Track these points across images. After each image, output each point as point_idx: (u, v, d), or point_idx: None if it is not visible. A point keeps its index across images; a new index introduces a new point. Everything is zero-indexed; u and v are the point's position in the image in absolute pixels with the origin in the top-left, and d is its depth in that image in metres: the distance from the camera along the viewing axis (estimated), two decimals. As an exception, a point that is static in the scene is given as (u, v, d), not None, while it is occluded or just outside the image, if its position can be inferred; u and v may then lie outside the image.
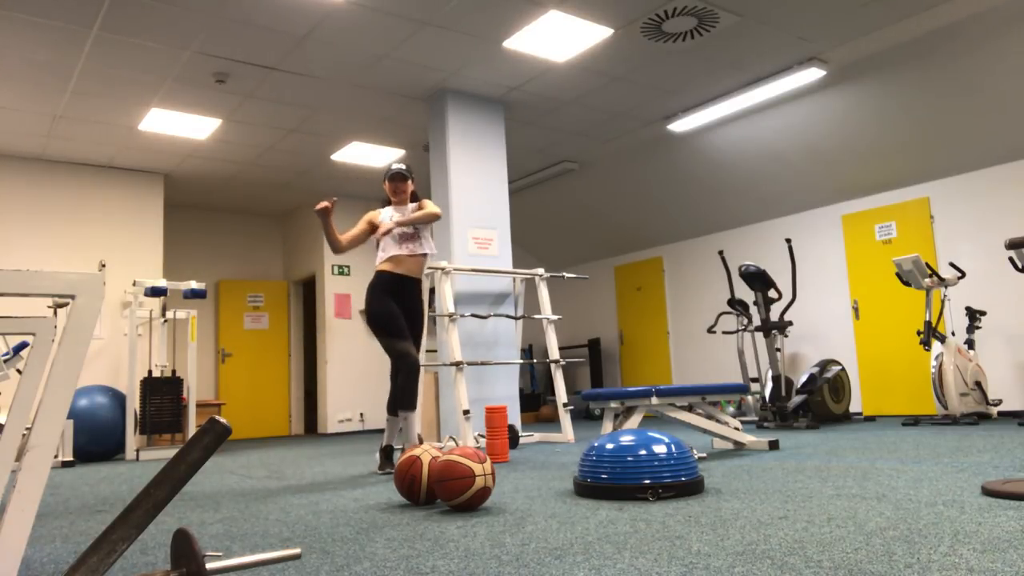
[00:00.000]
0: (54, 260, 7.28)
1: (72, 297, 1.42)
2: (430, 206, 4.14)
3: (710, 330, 7.53)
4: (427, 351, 7.61)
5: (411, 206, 4.29)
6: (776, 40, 5.68)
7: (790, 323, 6.41)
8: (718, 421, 4.31)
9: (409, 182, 4.27)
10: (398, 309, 4.07)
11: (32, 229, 7.24)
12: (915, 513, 2.14)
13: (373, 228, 4.27)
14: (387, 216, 4.26)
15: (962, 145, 6.38)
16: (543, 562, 1.77)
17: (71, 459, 5.80)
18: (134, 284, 6.69)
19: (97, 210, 7.59)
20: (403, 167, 4.25)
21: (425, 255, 4.23)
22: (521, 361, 6.03)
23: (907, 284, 6.03)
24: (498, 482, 3.42)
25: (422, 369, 5.74)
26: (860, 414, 7.19)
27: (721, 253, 7.25)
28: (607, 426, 4.10)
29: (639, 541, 1.96)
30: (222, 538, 2.35)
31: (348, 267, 9.26)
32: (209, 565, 1.47)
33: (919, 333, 5.80)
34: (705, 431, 4.09)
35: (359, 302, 9.31)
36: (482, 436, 5.56)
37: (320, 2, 4.78)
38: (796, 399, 6.32)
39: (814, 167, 7.30)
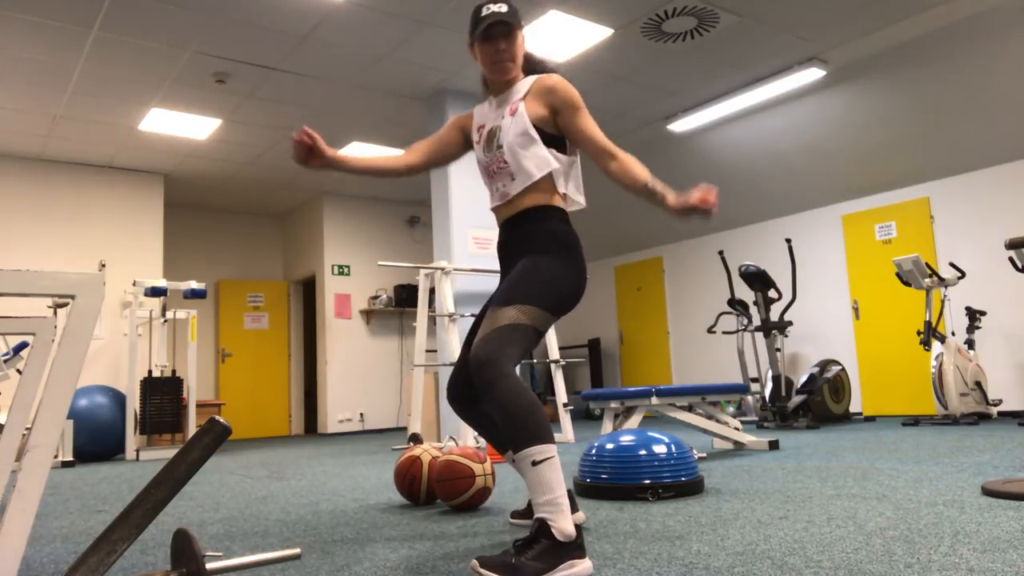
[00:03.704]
0: (54, 260, 7.28)
1: (72, 297, 1.42)
2: (554, 90, 2.03)
3: (710, 330, 7.53)
4: (427, 351, 7.62)
5: (521, 88, 2.10)
6: (776, 40, 5.67)
7: (790, 323, 6.41)
8: (718, 421, 4.31)
9: (517, 36, 2.09)
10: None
11: (32, 229, 7.24)
12: (915, 513, 2.14)
13: (462, 140, 2.29)
14: (479, 120, 2.22)
15: (962, 145, 6.38)
16: (543, 562, 1.77)
17: (71, 459, 5.79)
18: (134, 284, 6.69)
19: (97, 210, 7.59)
20: (503, 8, 2.05)
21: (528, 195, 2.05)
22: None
23: (907, 284, 6.03)
24: (498, 482, 3.42)
25: (421, 370, 5.73)
26: (860, 414, 7.19)
27: (721, 253, 7.24)
28: (607, 426, 4.10)
29: (639, 541, 1.96)
30: (222, 538, 2.35)
31: (348, 267, 9.26)
32: (209, 565, 1.47)
33: (919, 333, 5.80)
34: (705, 431, 4.09)
35: (359, 302, 9.30)
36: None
37: (320, 2, 4.78)
38: (796, 399, 6.32)
39: (814, 167, 7.30)
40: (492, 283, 6.24)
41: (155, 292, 6.48)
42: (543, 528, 1.62)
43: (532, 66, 2.22)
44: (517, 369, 1.89)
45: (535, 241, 1.99)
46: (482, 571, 1.52)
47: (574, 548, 1.62)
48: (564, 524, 1.62)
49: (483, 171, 2.17)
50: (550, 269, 1.94)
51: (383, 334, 9.44)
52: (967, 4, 5.31)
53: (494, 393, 1.74)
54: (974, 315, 6.03)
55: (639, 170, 1.94)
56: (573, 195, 2.09)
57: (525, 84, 2.10)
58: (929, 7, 5.32)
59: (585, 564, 1.62)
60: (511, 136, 2.05)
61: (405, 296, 9.29)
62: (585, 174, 8.67)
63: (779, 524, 2.09)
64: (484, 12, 2.06)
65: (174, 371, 7.33)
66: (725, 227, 8.60)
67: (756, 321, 8.06)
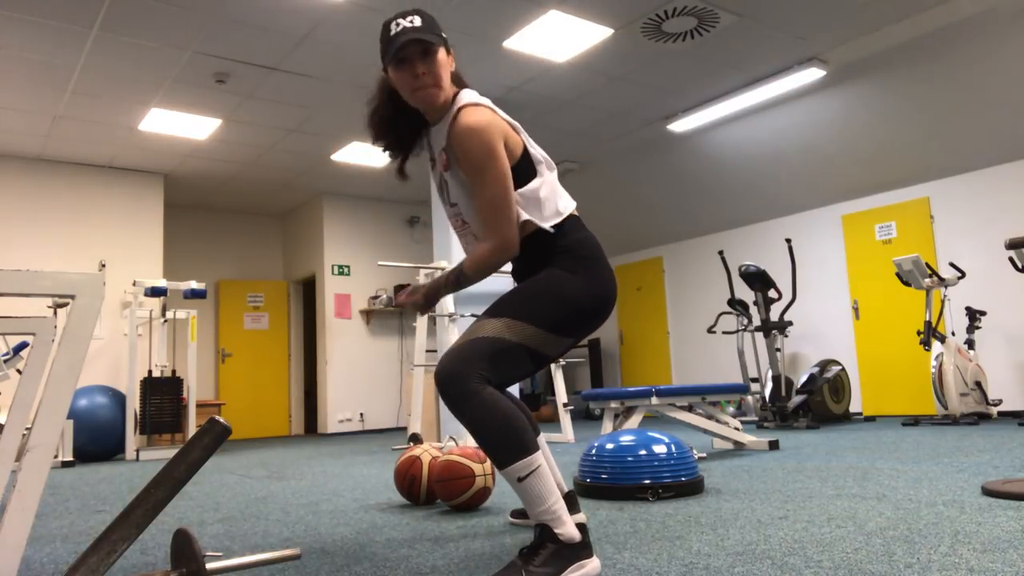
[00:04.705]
0: (54, 260, 7.28)
1: (72, 297, 1.42)
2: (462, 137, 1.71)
3: (710, 330, 7.52)
4: (427, 351, 7.61)
5: (448, 120, 1.80)
6: (776, 40, 5.67)
7: (790, 323, 6.41)
8: (718, 421, 4.31)
9: (438, 54, 1.77)
10: None
11: (32, 229, 7.24)
12: (915, 513, 2.14)
13: None
14: (431, 142, 1.91)
15: (962, 145, 6.38)
16: (543, 562, 1.77)
17: (71, 459, 5.79)
18: (134, 284, 6.69)
19: (97, 210, 7.59)
20: (415, 20, 1.76)
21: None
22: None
23: (907, 284, 6.03)
24: (498, 482, 3.42)
25: (421, 371, 5.73)
26: (860, 414, 7.19)
27: (721, 253, 7.24)
28: (607, 426, 4.10)
29: (639, 541, 1.96)
30: (222, 538, 2.35)
31: (348, 267, 9.25)
32: (209, 565, 1.47)
33: (919, 333, 5.80)
34: (705, 431, 4.09)
35: (359, 302, 9.30)
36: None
37: (320, 2, 4.78)
38: (796, 399, 6.32)
39: (814, 167, 7.30)
40: (493, 283, 6.24)
41: (155, 292, 6.48)
42: (547, 532, 1.58)
43: (460, 81, 1.88)
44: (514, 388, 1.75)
45: (545, 255, 1.79)
46: None
47: (581, 548, 1.59)
48: (565, 529, 1.59)
49: (448, 218, 1.94)
50: (558, 283, 1.73)
51: (383, 334, 9.43)
52: (967, 4, 5.31)
53: (461, 415, 1.61)
54: (974, 315, 6.03)
55: (466, 263, 1.73)
56: (555, 215, 1.81)
57: (449, 117, 1.78)
58: (929, 7, 5.32)
59: (594, 563, 1.61)
60: (460, 197, 1.83)
61: (405, 296, 9.28)
62: (587, 175, 8.67)
63: (779, 524, 2.09)
64: (394, 29, 1.74)
65: (174, 371, 7.33)
66: (725, 227, 8.60)
67: (756, 321, 8.06)
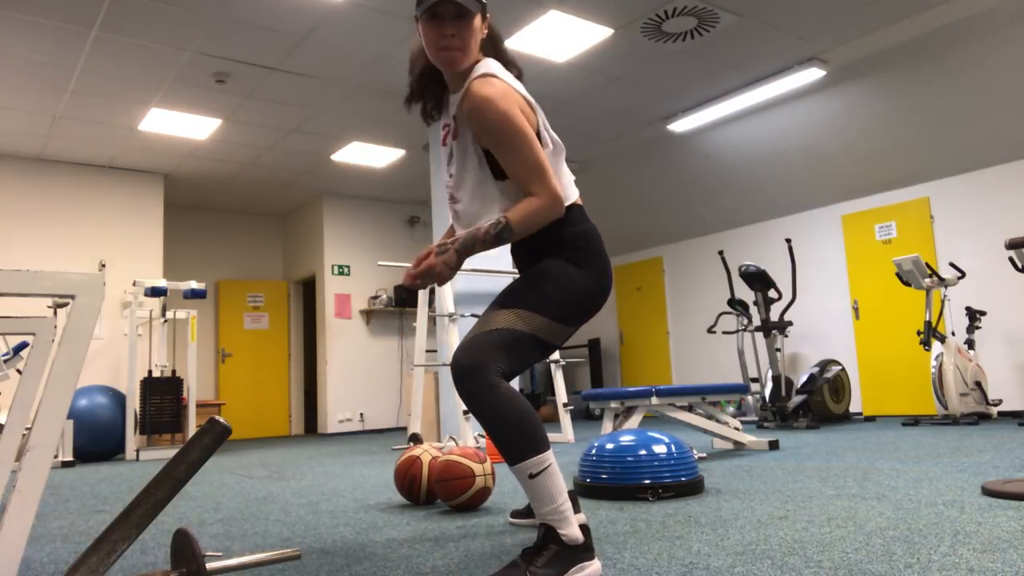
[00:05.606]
0: (54, 260, 7.28)
1: (72, 297, 1.42)
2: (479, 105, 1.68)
3: (710, 330, 7.52)
4: (427, 351, 7.62)
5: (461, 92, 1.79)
6: (776, 40, 5.67)
7: (790, 323, 6.41)
8: (718, 421, 4.31)
9: (473, 22, 1.74)
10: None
11: (32, 229, 7.24)
12: (915, 513, 2.14)
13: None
14: (446, 118, 1.93)
15: (962, 145, 6.38)
16: (543, 562, 1.77)
17: (71, 459, 5.79)
18: (134, 284, 6.69)
19: (97, 210, 7.59)
20: None
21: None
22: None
23: (907, 284, 6.03)
24: (498, 482, 3.42)
25: (421, 371, 5.73)
26: (860, 414, 7.19)
27: (721, 253, 7.24)
28: (607, 426, 4.10)
29: (639, 541, 1.96)
30: (222, 538, 2.35)
31: (348, 267, 9.25)
32: (209, 565, 1.47)
33: (919, 333, 5.80)
34: (705, 431, 4.09)
35: (359, 302, 9.30)
36: (482, 436, 5.56)
37: (320, 2, 4.78)
38: (796, 399, 6.32)
39: (814, 167, 7.30)
40: (492, 283, 6.23)
41: (155, 292, 6.48)
42: (550, 533, 1.58)
43: (496, 47, 1.86)
44: (516, 382, 1.75)
45: (549, 245, 1.78)
46: None
47: (584, 550, 1.59)
48: (570, 531, 1.59)
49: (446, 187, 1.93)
50: (564, 274, 1.74)
51: (383, 334, 9.43)
52: (967, 4, 5.31)
53: (479, 407, 1.60)
54: (974, 315, 6.03)
55: (512, 217, 1.66)
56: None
57: (464, 88, 1.74)
58: (929, 7, 5.32)
59: (595, 566, 1.61)
60: (455, 165, 1.83)
61: (405, 296, 9.29)
62: (587, 175, 8.67)
63: (779, 524, 2.09)
64: None
65: (174, 371, 7.33)
66: (725, 227, 8.60)
67: (756, 321, 8.06)
